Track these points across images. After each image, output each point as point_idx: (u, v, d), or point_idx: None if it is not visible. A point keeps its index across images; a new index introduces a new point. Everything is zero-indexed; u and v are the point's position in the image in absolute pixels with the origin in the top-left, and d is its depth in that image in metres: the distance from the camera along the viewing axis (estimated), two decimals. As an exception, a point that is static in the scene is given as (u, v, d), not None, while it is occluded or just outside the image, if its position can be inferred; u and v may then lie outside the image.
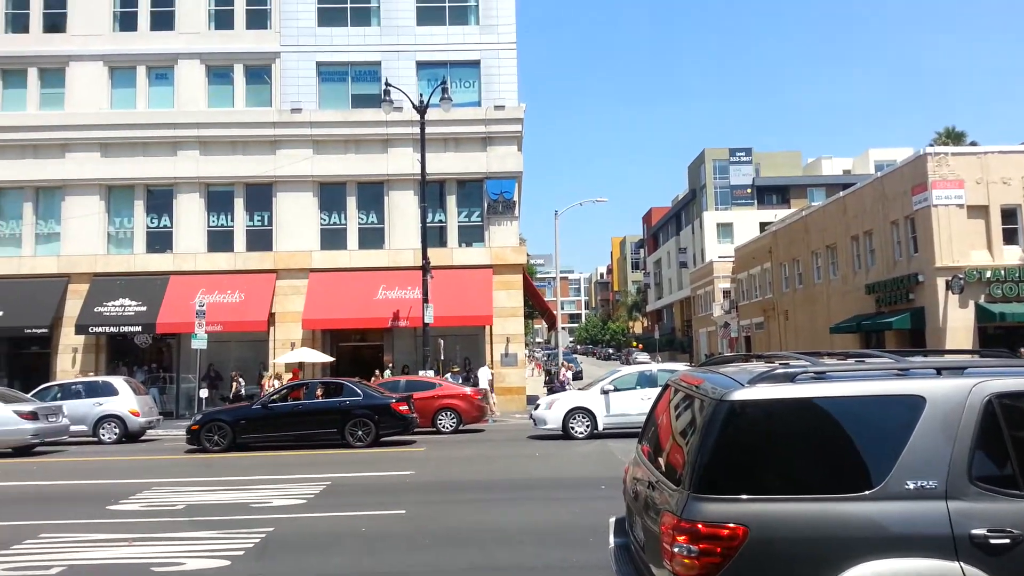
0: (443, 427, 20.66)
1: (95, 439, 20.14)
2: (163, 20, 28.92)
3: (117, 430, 20.38)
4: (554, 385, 30.73)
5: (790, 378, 4.05)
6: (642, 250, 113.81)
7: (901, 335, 29.59)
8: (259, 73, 29.06)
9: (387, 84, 25.34)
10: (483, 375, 25.69)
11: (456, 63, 29.03)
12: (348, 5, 29.23)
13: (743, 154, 75.60)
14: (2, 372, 27.85)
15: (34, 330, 26.51)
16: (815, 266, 38.76)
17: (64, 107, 28.44)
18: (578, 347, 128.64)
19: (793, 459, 3.89)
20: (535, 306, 37.80)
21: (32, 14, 28.81)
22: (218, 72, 29.01)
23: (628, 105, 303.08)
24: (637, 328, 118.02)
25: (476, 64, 29.04)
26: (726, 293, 58.99)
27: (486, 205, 28.61)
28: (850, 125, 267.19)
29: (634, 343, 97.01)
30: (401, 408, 17.93)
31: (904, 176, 29.30)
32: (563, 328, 35.98)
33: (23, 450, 17.93)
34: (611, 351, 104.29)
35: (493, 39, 29.01)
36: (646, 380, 18.54)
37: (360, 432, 17.60)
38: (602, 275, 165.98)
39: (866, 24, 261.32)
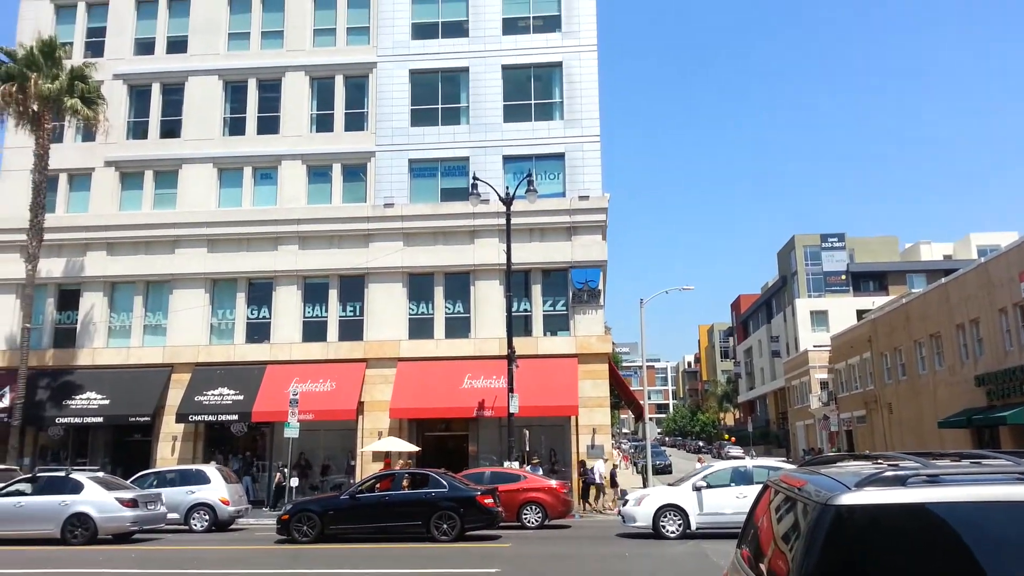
0: (528, 522, 20.17)
1: (186, 527, 20.56)
2: (269, 125, 31.02)
3: (207, 518, 20.78)
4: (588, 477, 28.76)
5: (901, 481, 3.76)
6: (731, 338, 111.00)
7: (1017, 431, 27.44)
8: (355, 171, 30.58)
9: (475, 178, 26.19)
10: (599, 467, 25.51)
11: (541, 156, 29.82)
12: (439, 106, 30.67)
13: (835, 239, 73.69)
14: (106, 459, 29.05)
15: (138, 418, 27.72)
16: (919, 356, 36.79)
17: (176, 206, 30.52)
18: (666, 439, 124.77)
19: (905, 570, 3.57)
20: (621, 396, 37.12)
21: (151, 122, 31.44)
22: (318, 171, 30.69)
23: (713, 190, 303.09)
24: (728, 420, 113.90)
25: (561, 157, 29.74)
26: (823, 384, 56.49)
27: (571, 294, 28.68)
28: (947, 207, 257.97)
29: (726, 436, 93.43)
30: (486, 501, 17.65)
31: (1010, 261, 27.82)
32: (650, 419, 35.03)
33: (122, 537, 18.41)
34: (701, 444, 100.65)
35: (577, 133, 29.74)
36: (741, 477, 17.70)
37: (445, 525, 17.35)
38: (690, 364, 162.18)
39: (957, 104, 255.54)
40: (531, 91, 30.47)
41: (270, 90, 31.35)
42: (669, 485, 19.36)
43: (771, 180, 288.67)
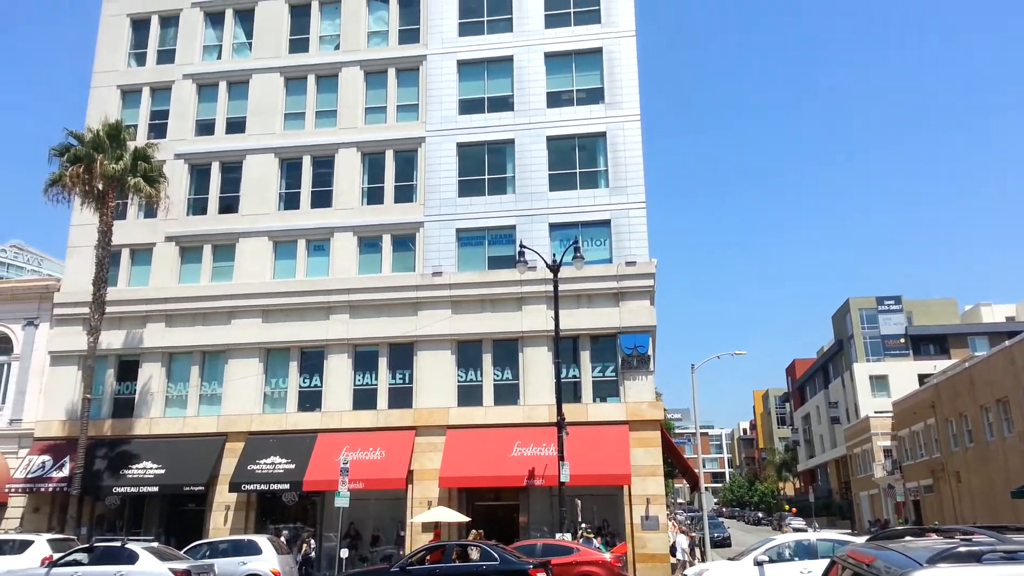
0: (582, 596, 19.55)
1: None
2: (322, 198, 32.00)
3: None
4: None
5: (976, 558, 3.59)
6: (788, 404, 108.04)
7: (1103, 500, 25.84)
8: (404, 241, 31.19)
9: (521, 246, 26.45)
10: (681, 542, 25.14)
11: (587, 223, 30.04)
12: (486, 177, 31.31)
13: (892, 302, 71.99)
14: (160, 528, 29.26)
15: (192, 487, 28.00)
16: (985, 422, 35.22)
17: (232, 278, 31.40)
18: (723, 509, 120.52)
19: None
20: (675, 464, 36.22)
21: (210, 198, 32.70)
22: (368, 242, 31.38)
23: (763, 252, 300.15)
24: (788, 489, 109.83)
25: (607, 223, 29.92)
26: (887, 452, 54.33)
27: (620, 360, 28.42)
28: (1006, 267, 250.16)
29: (786, 506, 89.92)
30: (539, 575, 17.22)
31: (1082, 320, 26.69)
32: (706, 488, 34.01)
33: (174, 607, 18.42)
34: (760, 515, 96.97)
35: (622, 200, 29.96)
36: (805, 550, 16.97)
37: (496, 599, 16.95)
38: (745, 431, 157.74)
39: (1008, 156, 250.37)
40: (576, 160, 30.95)
41: (323, 166, 32.45)
42: (729, 560, 18.66)
43: (821, 242, 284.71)
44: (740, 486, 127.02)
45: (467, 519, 26.67)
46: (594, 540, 24.64)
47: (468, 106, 32.13)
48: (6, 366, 31.93)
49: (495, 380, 29.06)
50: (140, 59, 34.73)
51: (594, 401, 28.29)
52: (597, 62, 31.75)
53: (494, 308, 29.49)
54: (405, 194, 31.70)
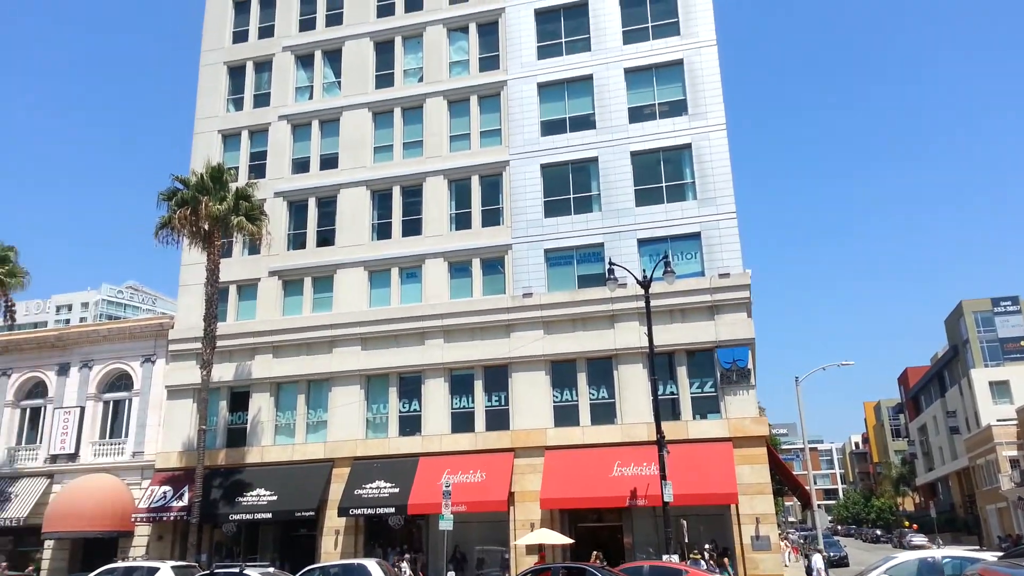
0: (692, 618, 19.03)
1: None
2: (412, 227, 32.77)
3: None
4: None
5: None
6: (902, 415, 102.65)
7: None
8: (493, 264, 31.52)
9: (610, 263, 26.28)
10: (817, 563, 24.60)
11: (676, 237, 29.61)
12: (571, 196, 31.35)
13: (1009, 303, 67.65)
14: (276, 554, 30.27)
15: (303, 513, 28.89)
16: None
17: (332, 308, 32.45)
18: (838, 527, 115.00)
19: None
20: (784, 481, 34.90)
21: (308, 232, 33.99)
22: (458, 267, 31.88)
23: (863, 259, 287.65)
24: (907, 504, 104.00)
25: (696, 236, 29.39)
26: (1014, 462, 50.75)
27: (719, 375, 27.73)
28: None
29: (906, 522, 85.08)
30: (645, 596, 16.88)
31: None
32: (819, 506, 32.60)
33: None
34: (878, 532, 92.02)
35: (712, 211, 29.40)
36: (929, 569, 16.02)
37: (604, 621, 16.69)
38: (857, 444, 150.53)
39: None
40: (662, 174, 30.61)
41: (412, 195, 33.27)
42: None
43: (926, 243, 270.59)
44: (855, 502, 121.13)
45: (571, 541, 26.44)
46: (702, 562, 23.98)
47: (550, 127, 32.34)
48: (127, 401, 33.92)
49: (591, 399, 28.85)
50: (238, 104, 36.64)
51: (694, 418, 27.67)
52: (678, 74, 31.43)
53: (586, 327, 29.35)
54: (492, 218, 32.09)
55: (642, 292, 25.57)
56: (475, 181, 32.55)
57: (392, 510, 27.94)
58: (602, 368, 29.10)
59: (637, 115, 31.49)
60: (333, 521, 29.06)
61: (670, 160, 30.76)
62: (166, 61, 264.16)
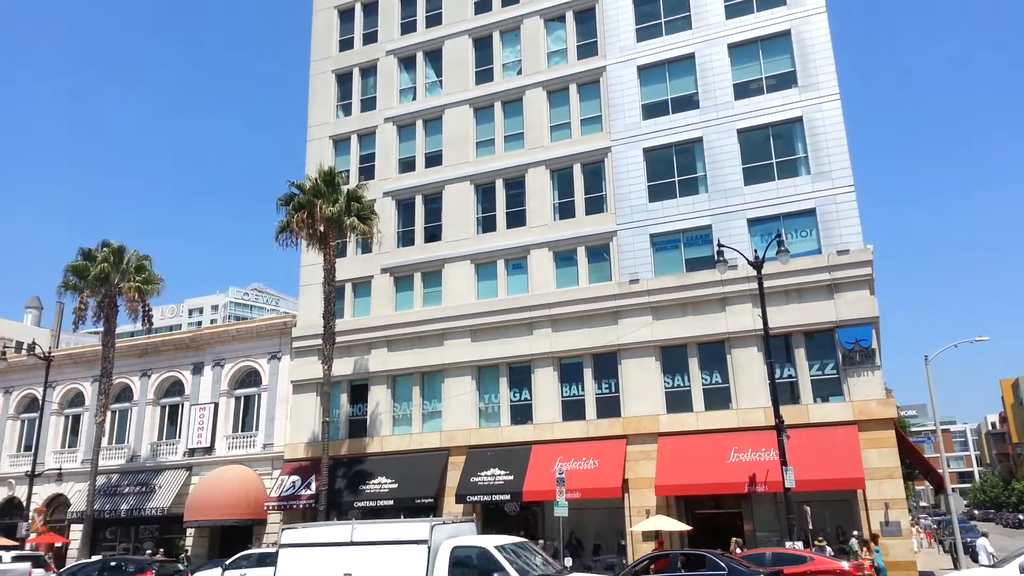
0: (820, 607, 18.46)
1: None
2: (516, 219, 33.07)
3: None
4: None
5: None
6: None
7: None
8: (599, 252, 31.41)
9: (719, 245, 25.69)
10: (984, 544, 23.75)
11: (789, 215, 28.61)
12: (675, 179, 30.80)
13: None
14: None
15: (423, 499, 29.83)
16: None
17: (441, 302, 33.23)
18: (975, 512, 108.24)
19: None
20: (914, 465, 33.16)
21: (416, 229, 34.89)
22: (563, 256, 31.95)
23: (995, 223, 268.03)
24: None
25: (811, 212, 28.30)
26: None
27: (840, 356, 26.63)
28: None
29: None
30: (770, 583, 16.52)
31: None
32: (953, 490, 30.82)
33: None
34: (1021, 516, 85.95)
35: (827, 185, 28.21)
36: (1083, 556, 14.89)
37: (728, 609, 16.45)
38: (994, 425, 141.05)
39: None
40: (771, 150, 29.60)
41: (515, 187, 33.56)
42: (990, 567, 16.80)
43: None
44: (993, 485, 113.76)
45: (688, 528, 26.13)
46: (827, 549, 23.18)
47: (651, 110, 31.85)
48: (256, 396, 35.94)
49: (704, 385, 28.34)
50: (347, 109, 37.98)
51: (814, 401, 26.72)
52: (786, 45, 30.27)
53: (696, 311, 28.82)
54: (596, 205, 31.96)
55: (754, 273, 24.88)
56: (577, 169, 32.49)
57: (507, 497, 28.42)
58: (714, 352, 28.51)
59: (743, 91, 30.55)
60: (452, 507, 29.83)
61: (780, 135, 29.71)
62: (281, 76, 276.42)
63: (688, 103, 31.32)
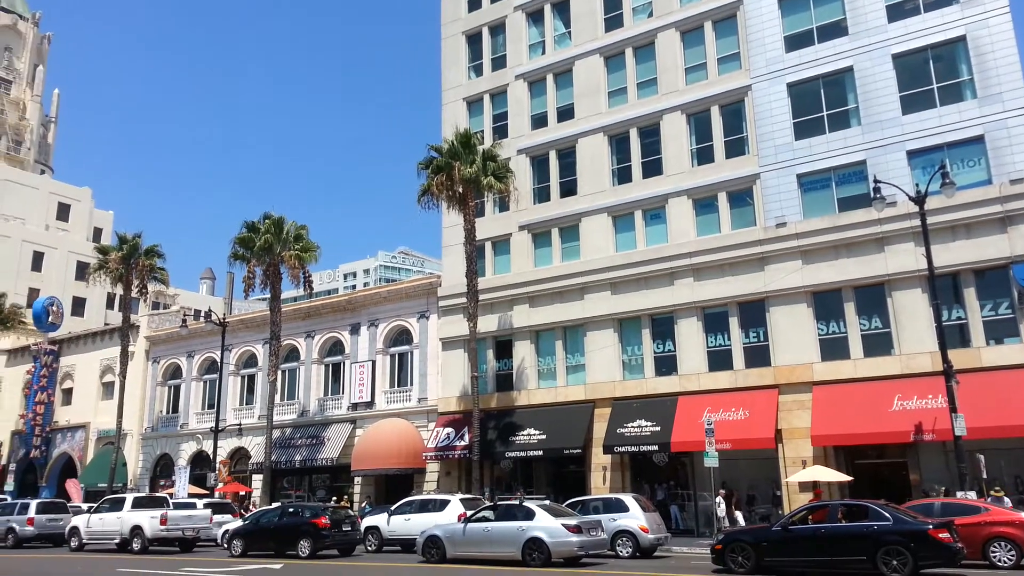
0: (998, 560, 17.41)
1: (612, 553, 21.67)
2: (653, 168, 32.41)
3: (631, 545, 21.81)
4: None
5: None
6: None
7: None
8: (741, 196, 30.30)
9: (875, 181, 24.11)
10: None
11: (953, 144, 26.38)
12: (823, 113, 29.04)
13: None
14: (549, 488, 32.28)
15: (570, 450, 30.44)
16: None
17: (580, 257, 33.30)
18: None
19: None
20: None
21: (551, 185, 34.99)
22: (703, 203, 31.08)
23: None
24: None
25: (979, 140, 25.93)
26: None
27: (1016, 294, 24.50)
28: None
29: None
30: (941, 536, 15.70)
31: None
32: None
33: (572, 561, 20.12)
34: None
35: (997, 109, 25.70)
36: None
37: (895, 562, 15.80)
38: None
39: None
40: (931, 74, 27.24)
41: (650, 135, 32.83)
42: None
43: None
44: None
45: (848, 478, 25.19)
46: (1005, 499, 21.67)
47: (795, 42, 30.04)
48: (409, 354, 37.72)
49: (861, 330, 26.95)
50: (478, 70, 38.36)
51: (987, 344, 24.81)
52: (945, -44, 27.53)
53: (850, 253, 27.31)
54: (736, 148, 30.75)
55: (915, 209, 23.24)
56: (715, 112, 31.31)
57: (655, 447, 28.47)
58: (872, 296, 26.99)
59: (897, 12, 28.18)
60: (599, 458, 30.26)
61: (941, 57, 27.26)
62: (416, 44, 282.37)
63: (836, 30, 29.27)
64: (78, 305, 67.84)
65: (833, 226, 27.63)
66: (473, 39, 38.72)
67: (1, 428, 52.59)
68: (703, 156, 31.45)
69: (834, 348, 27.24)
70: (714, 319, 29.94)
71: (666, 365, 30.53)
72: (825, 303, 27.76)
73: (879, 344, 26.53)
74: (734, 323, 29.37)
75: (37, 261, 68.34)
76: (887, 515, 16.44)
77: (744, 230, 29.68)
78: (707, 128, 31.49)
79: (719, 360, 29.41)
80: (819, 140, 28.74)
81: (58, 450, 49.44)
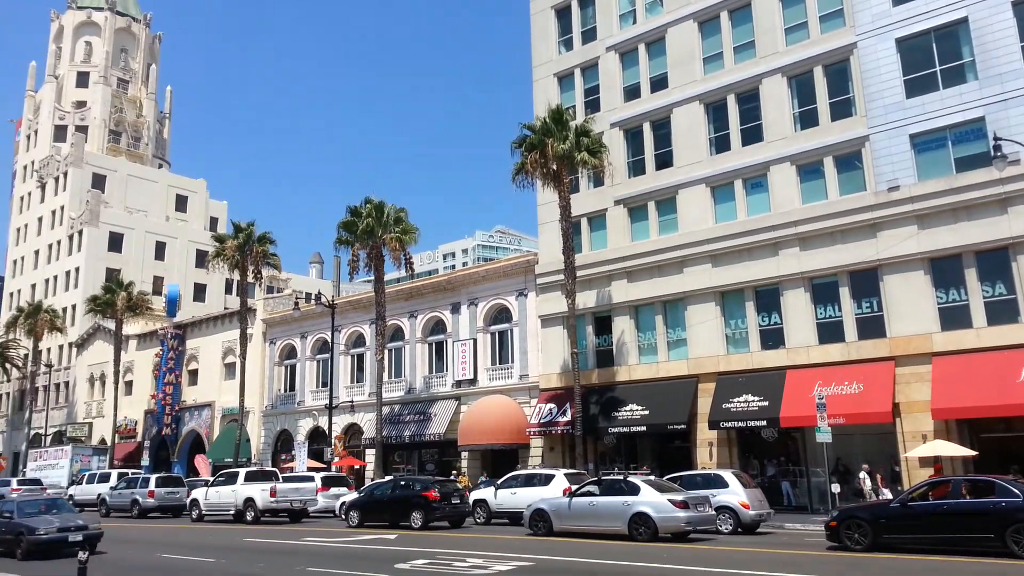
0: None
1: (712, 529, 21.45)
2: (752, 135, 31.41)
3: (731, 521, 21.57)
4: None
5: None
6: None
7: None
8: (849, 160, 29.03)
9: (995, 138, 22.62)
10: None
11: (1087, 93, 24.32)
12: (936, 69, 27.37)
13: None
14: (653, 463, 32.22)
15: (674, 426, 30.24)
16: None
17: (678, 229, 32.75)
18: None
19: None
20: None
21: (646, 157, 34.47)
22: (808, 169, 29.94)
23: None
24: None
25: (1118, 87, 23.82)
26: None
27: None
28: None
29: None
30: (1078, 514, 14.83)
31: None
32: None
33: (679, 536, 20.11)
34: None
35: None
36: None
37: (1025, 540, 15.05)
38: None
39: None
40: (1060, 19, 25.16)
41: (749, 101, 31.80)
42: None
43: None
44: None
45: (973, 453, 23.99)
46: None
47: (904, -6, 28.34)
48: (508, 331, 38.24)
49: (984, 297, 25.47)
50: (568, 44, 38.05)
51: None
52: None
53: (970, 216, 25.77)
54: (842, 109, 29.41)
55: (1044, 167, 21.63)
56: (818, 73, 30.00)
57: (763, 423, 27.90)
58: (995, 261, 25.43)
59: (1019, -46, 26.12)
60: (704, 434, 29.93)
61: (1071, 0, 25.13)
62: (506, 21, 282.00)
63: (949, -22, 27.42)
64: (199, 291, 72.17)
65: (950, 188, 26.11)
66: (562, 13, 38.38)
67: (135, 408, 56.79)
68: (806, 120, 30.24)
69: (955, 317, 25.87)
70: (823, 290, 28.93)
71: (772, 338, 29.77)
72: (944, 270, 26.35)
73: (1004, 311, 25.01)
74: (845, 293, 28.29)
75: (160, 251, 73.02)
76: (1017, 491, 15.66)
77: (853, 195, 28.44)
78: (810, 90, 30.22)
79: (829, 332, 28.43)
80: (932, 97, 27.11)
81: (187, 427, 52.97)
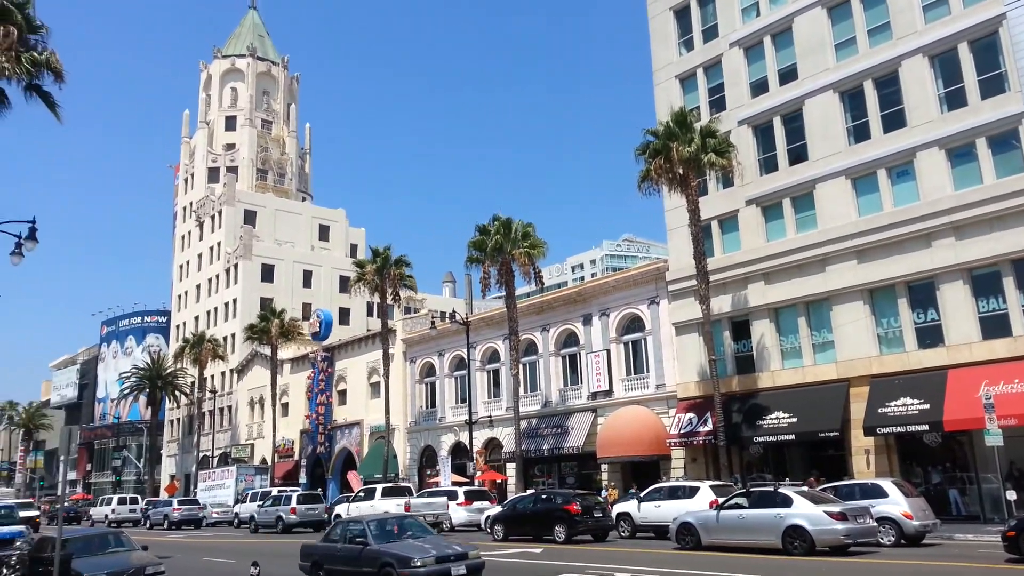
0: None
1: (873, 541, 20.14)
2: (894, 120, 29.59)
3: (893, 533, 20.20)
4: None
5: None
6: None
7: None
8: (1004, 140, 26.79)
9: None
10: None
11: None
12: (1106, 29, 24.77)
13: None
14: (804, 474, 30.74)
15: (826, 433, 28.74)
16: None
17: (817, 226, 31.25)
18: None
19: None
20: None
21: (778, 153, 33.17)
22: (958, 152, 27.87)
23: None
24: None
25: None
26: None
27: None
28: None
29: None
30: None
31: None
32: None
33: (838, 549, 19.05)
34: None
35: None
36: None
37: None
38: None
39: None
40: None
41: (887, 85, 30.00)
42: None
43: None
44: None
45: None
46: None
47: (1060, -47, 25.89)
48: (642, 341, 37.77)
49: None
50: (688, 45, 37.37)
51: None
52: None
53: None
54: (993, 86, 27.19)
55: None
56: (963, 49, 27.89)
57: (925, 427, 26.02)
58: None
59: None
60: (860, 441, 28.28)
61: None
62: (622, 26, 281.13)
63: (1114, -70, 24.83)
64: (343, 315, 75.97)
65: None
66: (681, 13, 37.74)
67: (291, 428, 60.41)
68: (953, 100, 28.17)
69: None
70: (984, 281, 26.75)
71: (930, 336, 27.78)
72: None
73: None
74: (1009, 284, 26.03)
75: (307, 279, 77.60)
76: None
77: (1012, 178, 26.17)
78: (955, 69, 28.14)
79: (994, 326, 26.23)
80: (1103, 62, 24.57)
81: (339, 445, 55.74)
